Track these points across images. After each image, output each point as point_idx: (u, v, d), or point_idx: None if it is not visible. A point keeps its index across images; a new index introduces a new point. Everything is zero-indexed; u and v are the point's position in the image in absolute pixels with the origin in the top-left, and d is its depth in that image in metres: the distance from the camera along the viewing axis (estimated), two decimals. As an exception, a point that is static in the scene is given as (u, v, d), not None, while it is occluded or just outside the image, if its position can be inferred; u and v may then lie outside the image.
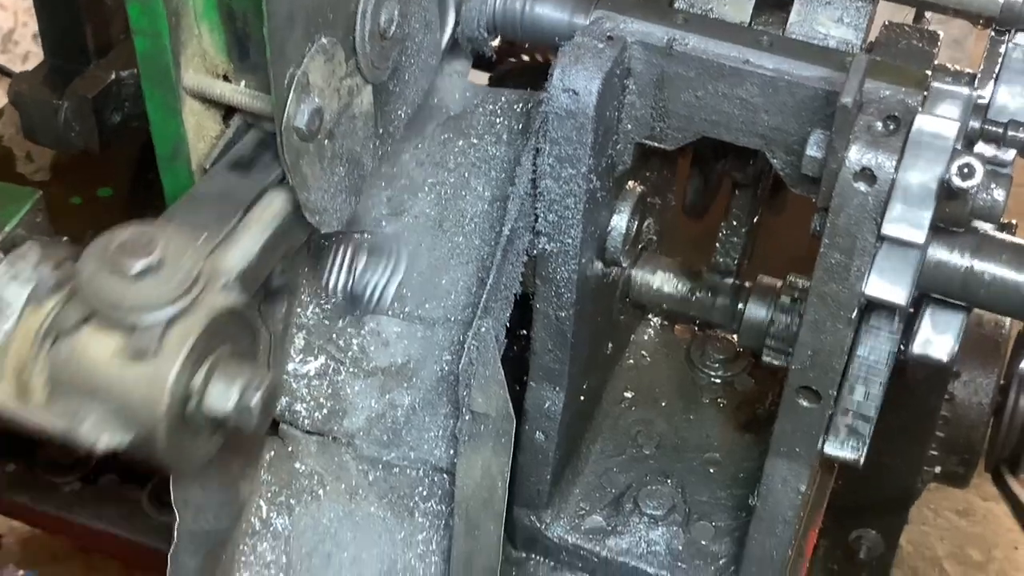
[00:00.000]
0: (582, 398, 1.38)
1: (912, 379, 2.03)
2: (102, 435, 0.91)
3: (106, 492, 1.50)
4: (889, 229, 1.04)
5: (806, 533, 1.44)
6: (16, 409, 0.93)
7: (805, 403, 1.20)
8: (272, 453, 1.19)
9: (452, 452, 1.18)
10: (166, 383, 0.91)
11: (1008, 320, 2.14)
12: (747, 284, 1.40)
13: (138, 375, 0.91)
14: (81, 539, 1.91)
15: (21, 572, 2.38)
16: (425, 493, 1.19)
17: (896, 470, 2.13)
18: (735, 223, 1.40)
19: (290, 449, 1.20)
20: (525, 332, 1.32)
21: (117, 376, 0.91)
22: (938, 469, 2.15)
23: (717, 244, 1.41)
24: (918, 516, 2.57)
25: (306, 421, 1.20)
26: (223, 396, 0.94)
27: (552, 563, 1.39)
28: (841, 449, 1.29)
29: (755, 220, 1.41)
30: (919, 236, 1.04)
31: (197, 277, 0.93)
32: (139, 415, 0.91)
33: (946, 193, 1.01)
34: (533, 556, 1.40)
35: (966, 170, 0.96)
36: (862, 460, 1.33)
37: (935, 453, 2.14)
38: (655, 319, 1.62)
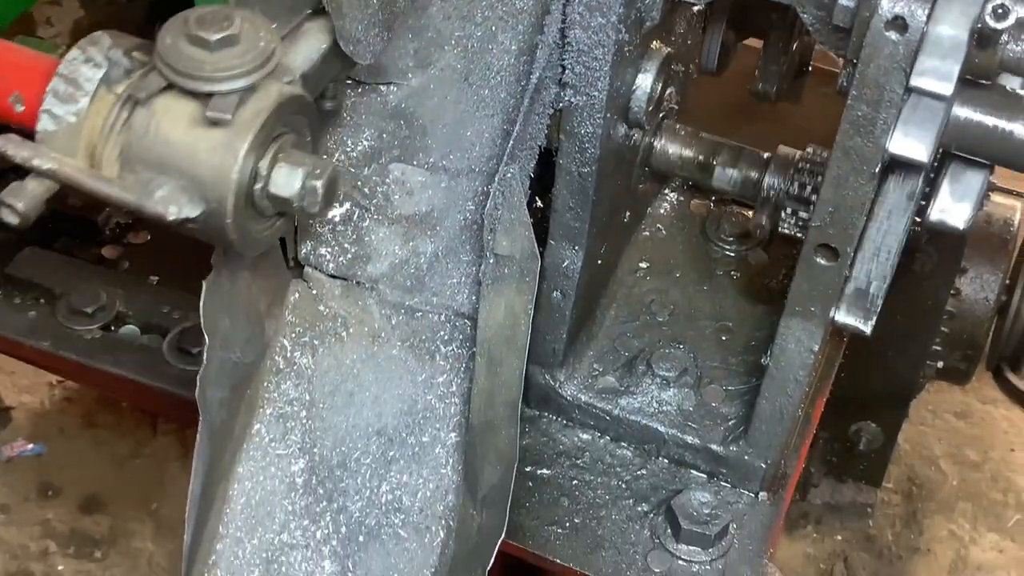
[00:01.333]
0: (599, 261, 1.40)
1: (920, 272, 2.05)
2: (172, 206, 0.93)
3: (127, 340, 1.52)
4: (918, 81, 1.05)
5: (814, 400, 1.47)
6: (90, 182, 0.95)
7: (823, 261, 1.21)
8: (297, 295, 1.21)
9: (474, 298, 1.19)
10: (239, 153, 0.94)
11: (1017, 218, 2.15)
12: (766, 155, 1.41)
13: (213, 144, 0.94)
14: (102, 386, 1.94)
15: (30, 446, 2.43)
16: (446, 337, 1.21)
17: (899, 363, 2.16)
18: (774, 50, 1.43)
19: (315, 292, 1.21)
20: (541, 206, 1.34)
21: (191, 145, 0.94)
22: (940, 364, 2.18)
23: (756, 71, 1.44)
24: (917, 416, 2.60)
25: (330, 265, 1.22)
26: (289, 179, 0.98)
27: (564, 421, 1.42)
28: (852, 317, 1.31)
29: (793, 46, 1.43)
30: (947, 88, 1.04)
31: (271, 55, 0.97)
32: (210, 186, 0.94)
33: (977, 41, 1.02)
34: (546, 415, 1.43)
35: (1000, 10, 0.96)
36: (870, 329, 1.35)
37: (938, 348, 2.17)
38: (672, 194, 1.63)
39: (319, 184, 0.99)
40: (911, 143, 1.11)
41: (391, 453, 1.16)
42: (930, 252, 2.01)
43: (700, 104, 1.56)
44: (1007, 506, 2.46)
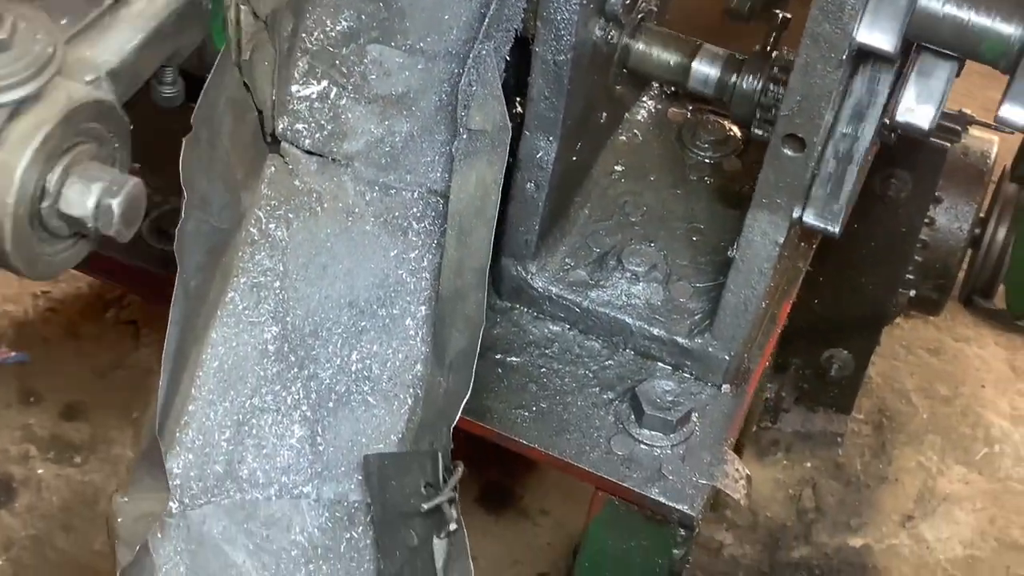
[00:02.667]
0: (574, 158, 1.42)
1: (895, 198, 2.08)
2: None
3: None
4: (886, -37, 1.07)
5: (780, 301, 1.50)
6: None
7: (790, 152, 1.24)
8: (273, 169, 1.23)
9: (447, 176, 1.22)
10: (15, 173, 0.83)
11: (994, 151, 2.18)
12: (741, 57, 1.44)
13: None
14: (88, 265, 1.97)
15: (13, 353, 2.45)
16: (419, 214, 1.24)
17: (872, 290, 2.19)
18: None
19: (290, 167, 1.24)
20: (521, 111, 1.35)
21: None
22: (913, 293, 2.21)
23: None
24: (890, 352, 2.64)
25: (307, 141, 1.24)
26: (81, 197, 0.88)
27: (535, 313, 1.45)
28: (820, 220, 1.34)
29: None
30: (915, -31, 1.07)
31: (50, 60, 0.84)
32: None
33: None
34: (517, 306, 1.46)
35: None
36: (839, 230, 1.38)
37: (911, 277, 2.20)
38: (650, 102, 1.65)
39: (115, 203, 0.87)
40: (877, 33, 1.14)
41: (362, 324, 1.19)
42: (905, 178, 2.04)
43: (676, 22, 1.58)
44: (975, 440, 2.50)
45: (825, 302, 2.22)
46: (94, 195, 0.89)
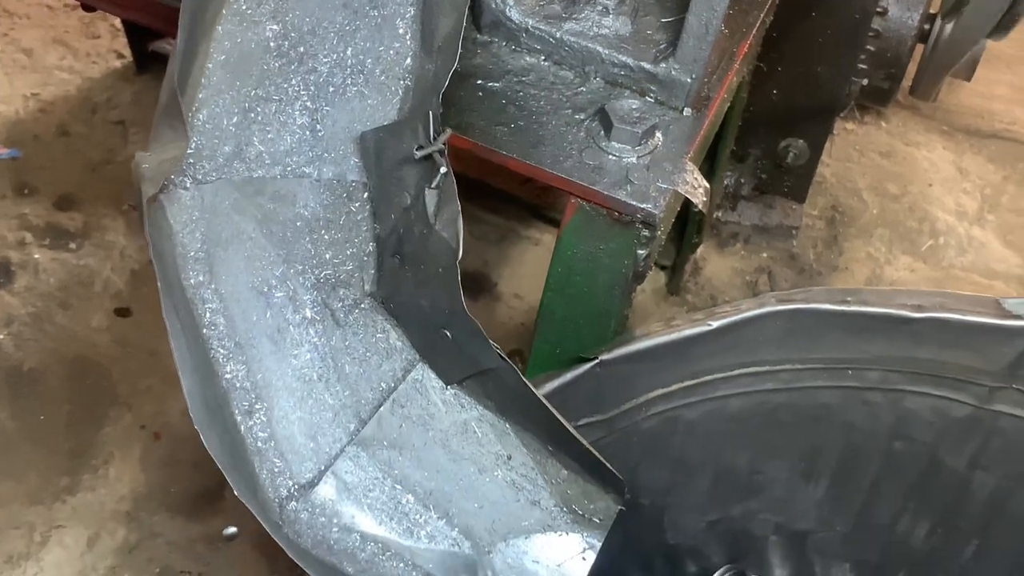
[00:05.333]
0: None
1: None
2: None
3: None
4: None
5: (739, 41, 1.62)
6: None
7: None
8: None
9: None
10: None
11: (944, -56, 2.29)
12: None
13: None
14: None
15: (6, 150, 2.54)
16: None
17: (827, 79, 2.32)
18: None
19: None
20: None
21: None
22: (865, 82, 2.34)
23: None
24: (844, 155, 2.79)
25: None
26: None
27: (513, 46, 1.56)
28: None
29: None
30: None
31: None
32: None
33: None
34: (496, 39, 1.57)
35: None
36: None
37: (864, 66, 2.33)
38: None
39: None
40: None
41: (356, 23, 1.29)
42: (859, -36, 2.16)
43: None
44: (921, 233, 2.66)
45: (782, 92, 2.35)
46: None
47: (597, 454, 1.23)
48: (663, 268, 2.51)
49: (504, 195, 2.61)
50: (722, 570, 1.84)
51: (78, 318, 2.28)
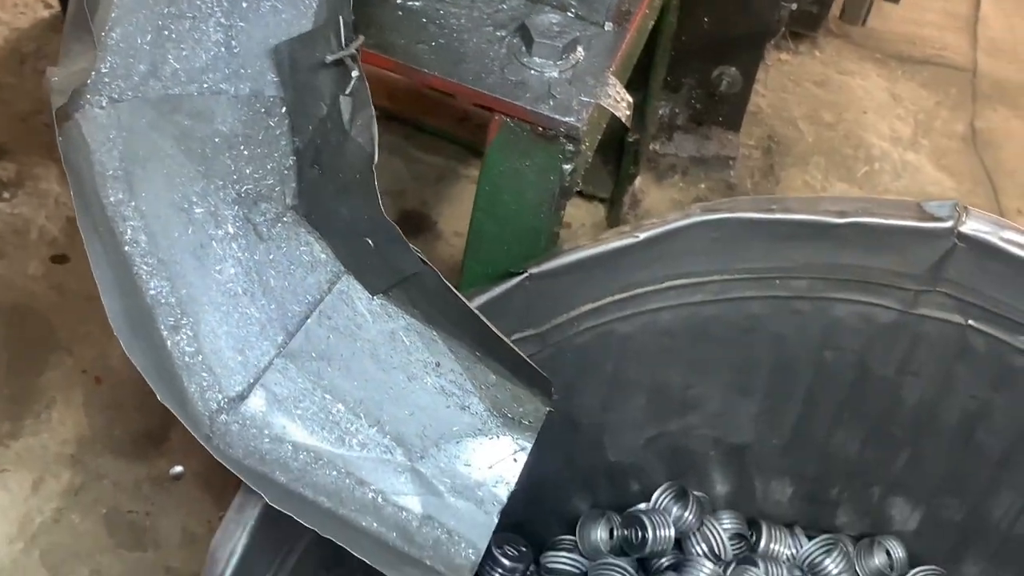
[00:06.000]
0: None
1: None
2: None
3: None
4: None
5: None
6: None
7: None
8: None
9: None
10: None
11: None
12: None
13: None
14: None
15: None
16: None
17: (755, 4, 2.33)
18: None
19: None
20: None
21: None
22: (795, 6, 2.36)
23: None
24: (779, 85, 2.81)
25: None
26: None
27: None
28: None
29: None
30: None
31: None
32: None
33: None
34: (416, -39, 1.57)
35: None
36: None
37: (793, -10, 2.35)
38: None
39: None
40: None
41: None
42: None
43: None
44: (856, 159, 2.70)
45: (712, 19, 2.36)
46: None
47: (524, 356, 1.25)
48: (602, 201, 2.52)
49: (442, 134, 2.62)
50: (663, 487, 1.86)
51: (14, 266, 2.26)
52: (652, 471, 1.86)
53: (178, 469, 2.04)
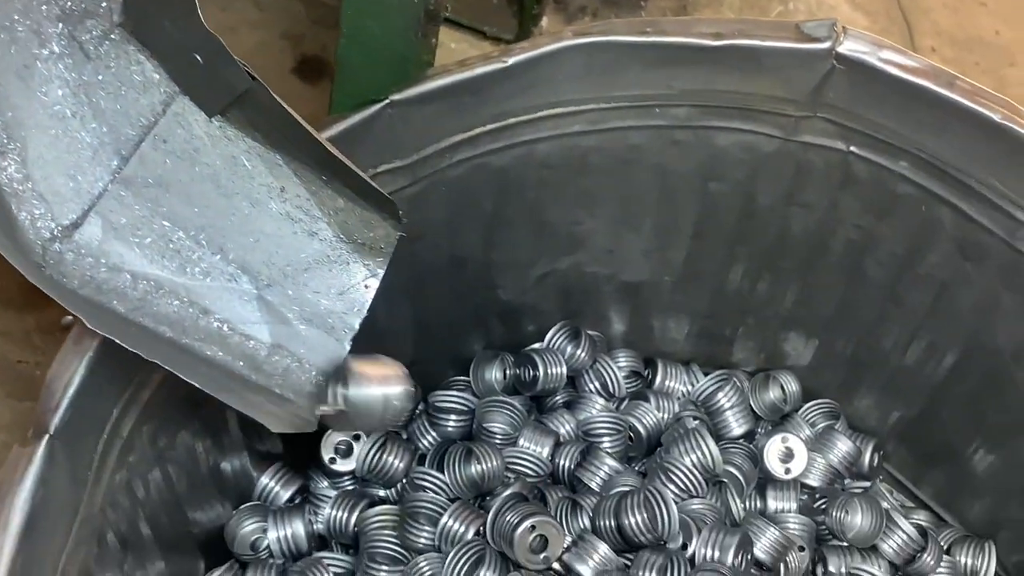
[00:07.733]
0: None
1: None
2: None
3: None
4: None
5: None
6: None
7: None
8: None
9: None
10: None
11: None
12: None
13: None
14: None
15: None
16: None
17: None
18: None
19: None
20: None
21: None
22: None
23: None
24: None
25: None
26: None
27: None
28: None
29: None
30: None
31: None
32: None
33: None
34: None
35: None
36: None
37: None
38: None
39: None
40: None
41: None
42: None
43: None
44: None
45: None
46: None
47: (369, 180, 1.21)
48: (508, 43, 2.45)
49: (343, -24, 2.52)
50: (556, 327, 1.85)
51: None
52: (546, 311, 1.84)
53: (69, 319, 2.00)
